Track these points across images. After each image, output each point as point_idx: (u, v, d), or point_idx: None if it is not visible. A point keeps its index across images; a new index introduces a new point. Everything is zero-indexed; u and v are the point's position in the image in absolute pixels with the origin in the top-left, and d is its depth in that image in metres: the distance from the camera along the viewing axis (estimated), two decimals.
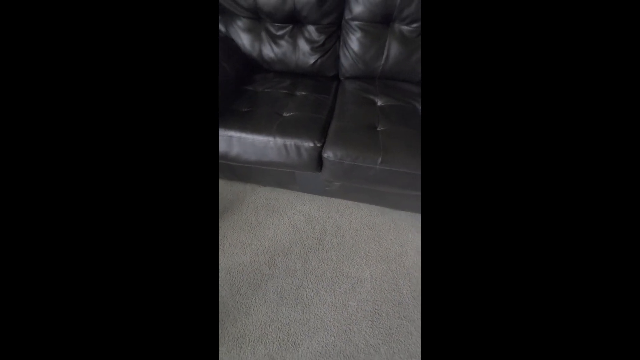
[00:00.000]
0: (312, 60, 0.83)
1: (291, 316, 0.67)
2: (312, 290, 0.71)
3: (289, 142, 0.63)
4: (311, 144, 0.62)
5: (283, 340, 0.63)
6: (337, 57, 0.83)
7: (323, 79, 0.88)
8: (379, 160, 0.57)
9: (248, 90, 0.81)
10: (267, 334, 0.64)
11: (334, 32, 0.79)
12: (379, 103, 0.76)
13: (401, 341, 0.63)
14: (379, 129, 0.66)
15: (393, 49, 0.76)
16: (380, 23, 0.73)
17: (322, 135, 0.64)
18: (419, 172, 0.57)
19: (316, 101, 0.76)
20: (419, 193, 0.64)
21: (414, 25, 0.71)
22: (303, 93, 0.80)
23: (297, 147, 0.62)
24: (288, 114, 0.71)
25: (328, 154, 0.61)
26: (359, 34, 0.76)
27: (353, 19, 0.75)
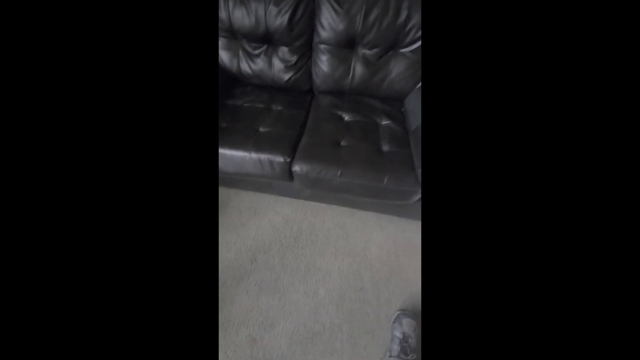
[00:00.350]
0: (286, 77, 0.91)
1: (269, 303, 0.79)
2: (288, 282, 0.83)
3: (263, 157, 0.72)
4: (282, 159, 0.71)
5: (262, 323, 0.75)
6: (310, 75, 0.91)
7: (298, 93, 0.96)
8: (339, 174, 0.68)
9: (228, 105, 0.88)
10: (248, 319, 0.76)
11: (305, 53, 0.86)
12: (346, 118, 0.85)
13: (360, 320, 0.77)
14: (342, 144, 0.76)
15: (358, 69, 0.85)
16: (345, 47, 0.81)
17: (292, 150, 0.74)
18: (374, 184, 0.68)
19: (290, 117, 0.85)
20: (378, 200, 0.76)
21: (375, 50, 0.80)
22: (279, 108, 0.88)
23: (270, 162, 0.72)
24: (264, 130, 0.80)
25: (296, 168, 0.71)
26: (327, 56, 0.84)
27: (321, 43, 0.82)
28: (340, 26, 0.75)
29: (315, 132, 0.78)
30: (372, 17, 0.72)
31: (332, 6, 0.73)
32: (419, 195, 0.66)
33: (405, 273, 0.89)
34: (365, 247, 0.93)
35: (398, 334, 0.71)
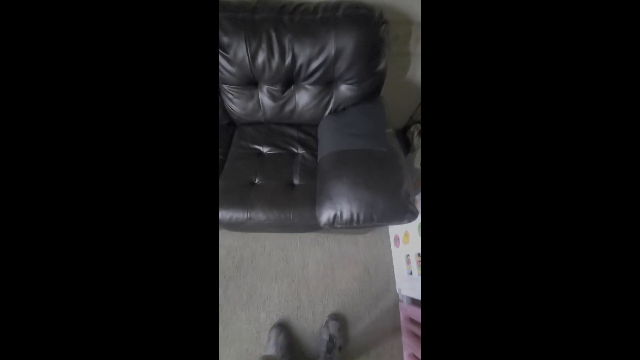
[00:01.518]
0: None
1: None
2: (231, 311, 0.90)
3: None
4: None
5: None
6: (225, 110, 0.92)
7: (219, 127, 0.97)
8: (247, 216, 0.72)
9: None
10: None
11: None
12: (264, 151, 0.89)
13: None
14: (256, 182, 0.80)
15: (266, 103, 0.86)
16: (248, 85, 0.82)
17: None
18: (282, 222, 0.73)
19: None
20: (300, 231, 0.82)
21: (277, 85, 0.82)
22: None
23: None
24: None
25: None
26: (233, 94, 0.85)
27: (224, 83, 0.83)
28: (234, 69, 0.76)
29: (231, 175, 0.81)
30: (259, 60, 0.73)
31: (220, 53, 0.74)
32: (319, 223, 0.72)
33: (338, 285, 0.98)
34: (303, 265, 1.01)
35: (325, 336, 0.81)
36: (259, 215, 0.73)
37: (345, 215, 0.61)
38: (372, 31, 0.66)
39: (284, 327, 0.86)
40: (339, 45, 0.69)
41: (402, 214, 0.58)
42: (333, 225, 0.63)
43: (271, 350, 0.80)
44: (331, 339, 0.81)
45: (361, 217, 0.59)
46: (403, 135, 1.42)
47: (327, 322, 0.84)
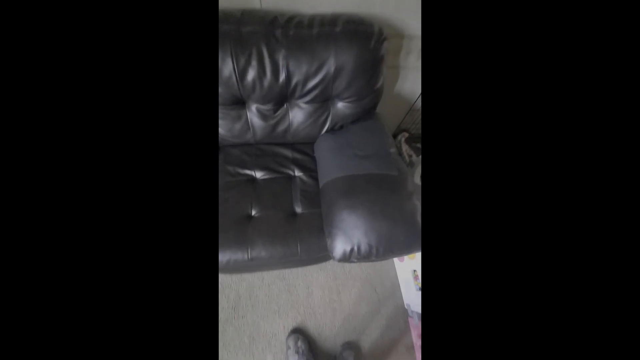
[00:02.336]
0: None
1: None
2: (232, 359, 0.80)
3: None
4: None
5: None
6: None
7: None
8: (248, 256, 0.64)
9: None
10: None
11: None
12: (258, 177, 0.80)
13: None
14: (253, 214, 0.71)
15: (256, 123, 0.77)
16: (235, 104, 0.73)
17: None
18: (288, 257, 0.66)
19: None
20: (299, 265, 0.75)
21: (268, 105, 0.73)
22: None
23: None
24: None
25: None
26: (219, 114, 0.74)
27: None
28: (220, 88, 0.66)
29: (222, 209, 0.70)
30: (248, 78, 0.64)
31: None
32: (333, 258, 0.67)
33: (346, 309, 0.94)
34: (307, 293, 0.94)
35: None
36: (262, 254, 0.65)
37: (364, 248, 0.56)
38: (373, 48, 0.63)
39: (301, 332, 0.79)
40: (338, 63, 0.64)
41: (419, 246, 0.56)
42: (349, 259, 0.59)
43: (293, 359, 0.73)
44: None
45: (381, 250, 0.56)
46: None
47: (341, 353, 0.79)
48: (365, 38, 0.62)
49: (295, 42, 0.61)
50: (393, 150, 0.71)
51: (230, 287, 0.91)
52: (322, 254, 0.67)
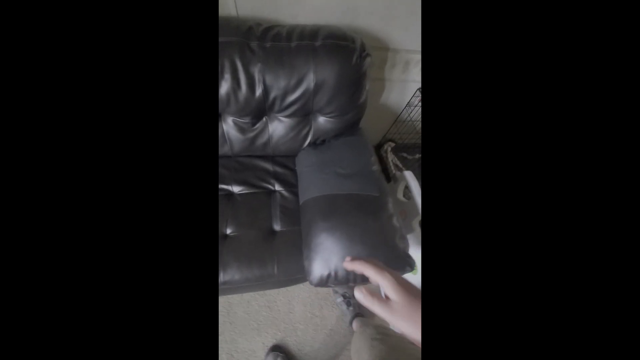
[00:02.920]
0: None
1: None
2: None
3: None
4: None
5: None
6: None
7: None
8: (220, 280, 0.60)
9: None
10: None
11: None
12: (235, 192, 0.76)
13: None
14: (228, 233, 0.68)
15: (234, 136, 0.73)
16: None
17: None
18: (264, 279, 0.63)
19: None
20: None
21: (245, 118, 0.70)
22: None
23: None
24: None
25: None
26: None
27: None
28: None
29: None
30: (222, 91, 0.60)
31: None
32: (310, 282, 0.65)
33: (328, 325, 0.93)
34: (288, 309, 0.92)
35: None
36: (235, 277, 0.62)
37: (341, 274, 0.55)
38: (355, 64, 0.60)
39: (280, 349, 0.77)
40: (319, 78, 0.61)
41: (401, 269, 0.55)
42: (326, 284, 0.57)
43: None
44: None
45: (359, 276, 0.54)
46: (377, 151, 1.44)
47: None
48: (347, 54, 0.59)
49: (273, 55, 0.58)
50: (375, 168, 0.70)
51: None
52: (300, 275, 0.65)
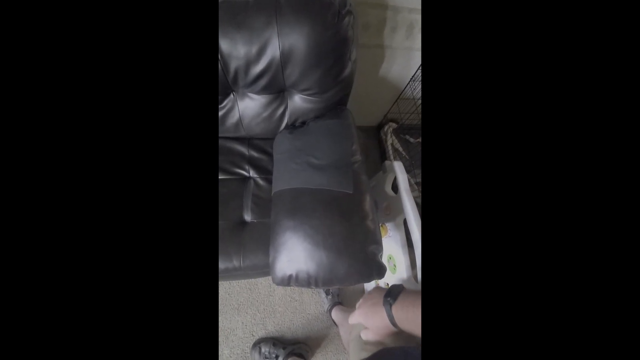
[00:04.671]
0: None
1: None
2: None
3: None
4: None
5: None
6: None
7: None
8: None
9: None
10: None
11: None
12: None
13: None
14: None
15: None
16: None
17: None
18: (230, 271, 0.61)
19: None
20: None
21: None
22: None
23: None
24: None
25: None
26: None
27: None
28: None
29: None
30: None
31: None
32: (273, 280, 0.62)
33: (307, 309, 0.94)
34: (269, 292, 0.93)
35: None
36: None
37: (302, 276, 0.50)
38: (330, 27, 0.47)
39: (260, 341, 0.82)
40: (285, 46, 0.49)
41: (367, 276, 0.49)
42: (288, 284, 0.53)
43: None
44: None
45: (319, 281, 0.50)
46: (377, 133, 1.29)
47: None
48: (318, 13, 0.45)
49: (226, 13, 0.45)
50: (356, 158, 0.60)
51: None
52: (267, 269, 0.62)
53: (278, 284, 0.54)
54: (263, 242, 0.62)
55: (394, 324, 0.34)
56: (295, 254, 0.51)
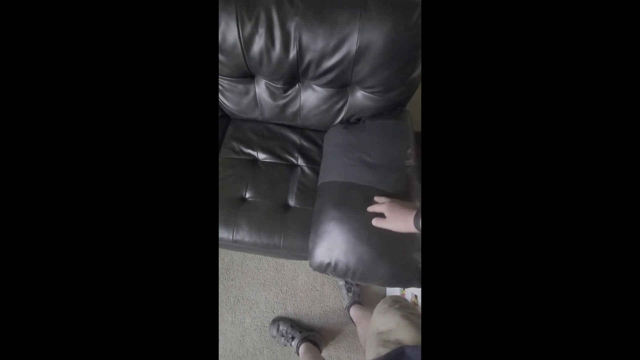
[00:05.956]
0: None
1: None
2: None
3: None
4: None
5: None
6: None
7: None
8: (231, 238, 0.64)
9: None
10: None
11: None
12: (260, 159, 0.76)
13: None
14: (247, 197, 0.70)
15: (264, 101, 0.70)
16: (242, 77, 0.65)
17: None
18: (269, 249, 0.65)
19: None
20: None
21: (278, 82, 0.64)
22: None
23: None
24: None
25: None
26: (225, 87, 0.68)
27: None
28: (223, 58, 0.58)
29: (219, 186, 0.71)
30: (255, 49, 0.54)
31: None
32: (310, 264, 0.64)
33: (326, 301, 0.96)
34: (293, 276, 0.97)
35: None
36: (245, 239, 0.66)
37: (340, 267, 0.52)
38: (412, 28, 0.46)
39: (278, 320, 0.87)
40: (363, 42, 0.50)
41: (406, 282, 0.49)
42: (324, 271, 0.56)
43: (282, 341, 0.83)
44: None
45: (357, 275, 0.51)
46: None
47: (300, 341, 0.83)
48: (404, 10, 0.45)
49: (313, 8, 0.48)
50: (410, 162, 0.59)
51: (226, 252, 1.00)
52: (303, 254, 0.65)
53: (315, 268, 0.56)
54: (304, 227, 0.65)
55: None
56: (337, 244, 0.52)
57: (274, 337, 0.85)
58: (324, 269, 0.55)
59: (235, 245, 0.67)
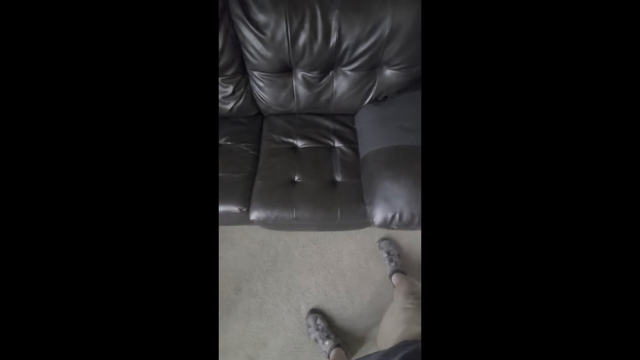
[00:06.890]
0: (229, 107, 0.83)
1: (259, 326, 0.89)
2: (272, 304, 0.93)
3: (220, 208, 0.72)
4: (237, 210, 0.72)
5: (255, 344, 0.87)
6: (254, 100, 0.84)
7: (246, 118, 0.90)
8: (293, 216, 0.70)
9: None
10: (243, 342, 0.87)
11: (241, 81, 0.78)
12: (299, 146, 0.83)
13: (338, 325, 0.89)
14: (296, 180, 0.76)
15: (301, 92, 0.78)
16: (281, 72, 0.74)
17: (247, 198, 0.74)
18: (328, 221, 0.71)
19: (240, 154, 0.81)
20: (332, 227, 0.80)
21: (314, 72, 0.73)
22: (228, 143, 0.83)
23: (227, 214, 0.72)
24: None
25: (253, 217, 0.72)
26: (264, 83, 0.76)
27: (254, 70, 0.74)
28: (269, 54, 0.67)
29: (268, 172, 0.77)
30: (300, 42, 0.64)
31: (253, 33, 0.64)
32: (373, 223, 0.70)
33: (373, 276, 1.00)
34: (337, 258, 1.01)
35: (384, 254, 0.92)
36: (305, 215, 0.71)
37: (406, 217, 0.58)
38: None
39: (318, 312, 0.90)
40: (395, 23, 0.60)
41: None
42: (389, 225, 0.61)
43: (314, 335, 0.84)
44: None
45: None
46: None
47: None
48: None
49: (349, 1, 0.58)
50: None
51: (270, 245, 1.03)
52: (360, 220, 0.71)
53: (379, 225, 0.62)
54: (356, 198, 0.71)
55: None
56: (398, 196, 0.59)
57: (309, 326, 0.85)
58: (388, 223, 0.61)
59: (296, 223, 0.72)
